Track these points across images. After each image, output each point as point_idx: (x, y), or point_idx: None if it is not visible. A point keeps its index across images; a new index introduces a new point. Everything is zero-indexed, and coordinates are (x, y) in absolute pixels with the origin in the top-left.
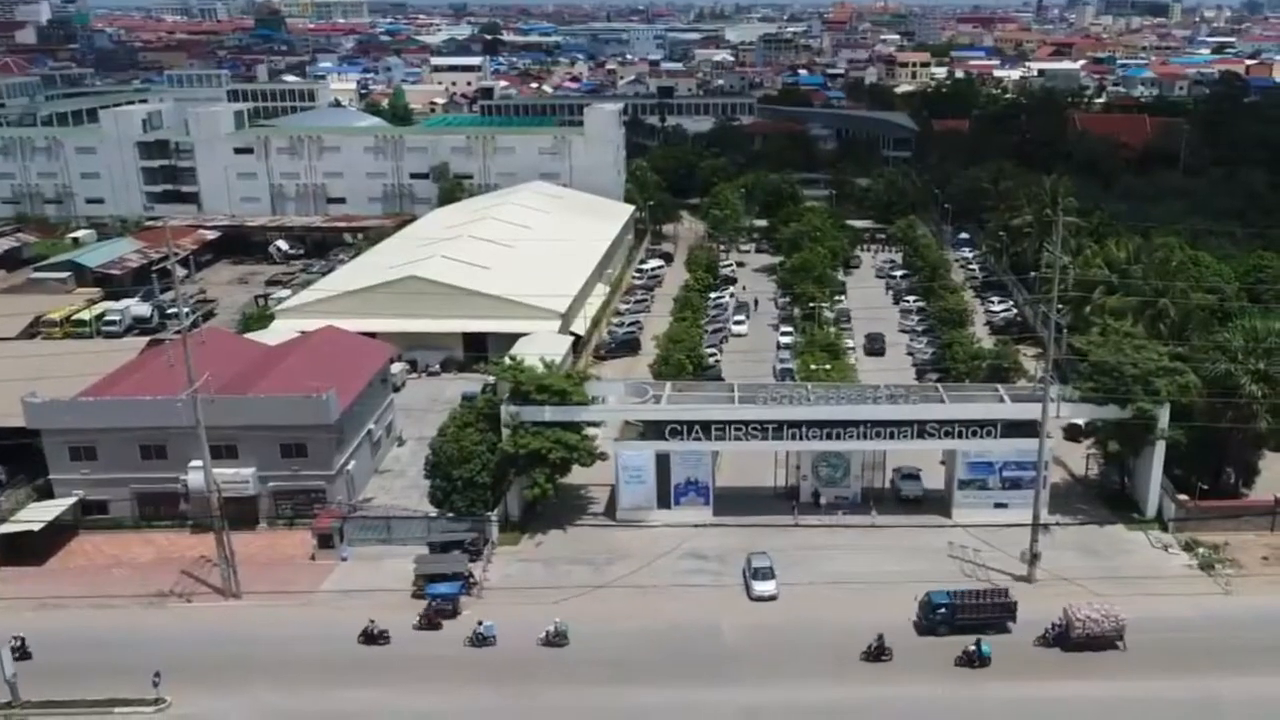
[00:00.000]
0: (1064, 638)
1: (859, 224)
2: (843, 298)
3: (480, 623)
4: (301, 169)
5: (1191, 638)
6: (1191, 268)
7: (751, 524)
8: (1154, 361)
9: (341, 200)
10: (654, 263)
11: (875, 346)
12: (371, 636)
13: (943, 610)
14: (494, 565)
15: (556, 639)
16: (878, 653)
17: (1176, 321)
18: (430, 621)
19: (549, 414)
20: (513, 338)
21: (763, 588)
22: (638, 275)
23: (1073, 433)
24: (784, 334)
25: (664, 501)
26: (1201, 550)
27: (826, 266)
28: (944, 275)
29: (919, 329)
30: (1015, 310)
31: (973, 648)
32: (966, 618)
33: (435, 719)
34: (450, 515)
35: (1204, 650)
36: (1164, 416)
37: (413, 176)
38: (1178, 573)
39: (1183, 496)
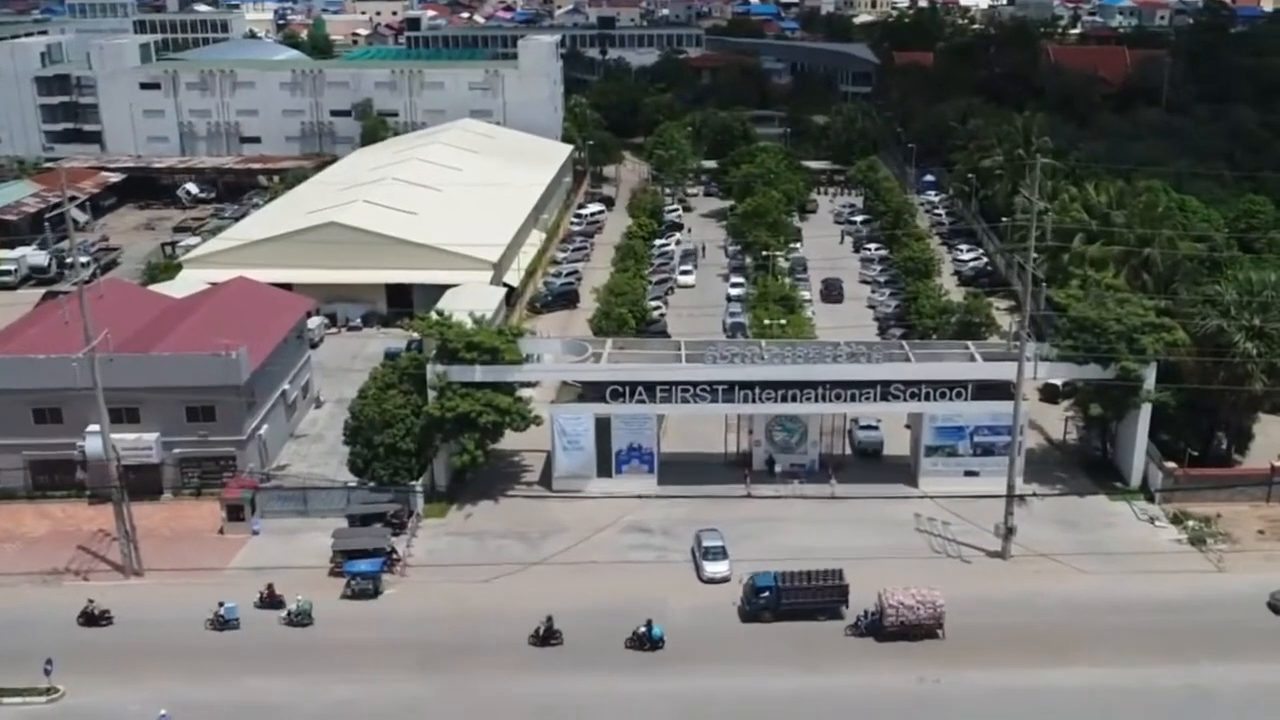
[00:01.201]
0: (877, 626)
1: (815, 165)
2: (798, 245)
3: (221, 604)
4: (213, 106)
5: (1181, 620)
6: (1178, 214)
7: (700, 495)
8: (1139, 317)
9: (256, 140)
10: (594, 207)
11: (833, 293)
12: (91, 618)
13: (767, 594)
14: (419, 540)
15: (298, 619)
16: (546, 637)
17: (1163, 273)
18: (270, 600)
19: (479, 374)
20: (440, 290)
21: (715, 569)
22: (576, 221)
23: (1050, 394)
24: (734, 285)
25: (604, 470)
26: (1191, 523)
27: (781, 212)
28: (908, 221)
29: (881, 279)
30: (986, 260)
31: (643, 629)
32: (793, 602)
33: (359, 708)
34: (371, 485)
35: (1195, 634)
36: (1150, 377)
37: (333, 114)
38: (1166, 548)
39: (1170, 464)
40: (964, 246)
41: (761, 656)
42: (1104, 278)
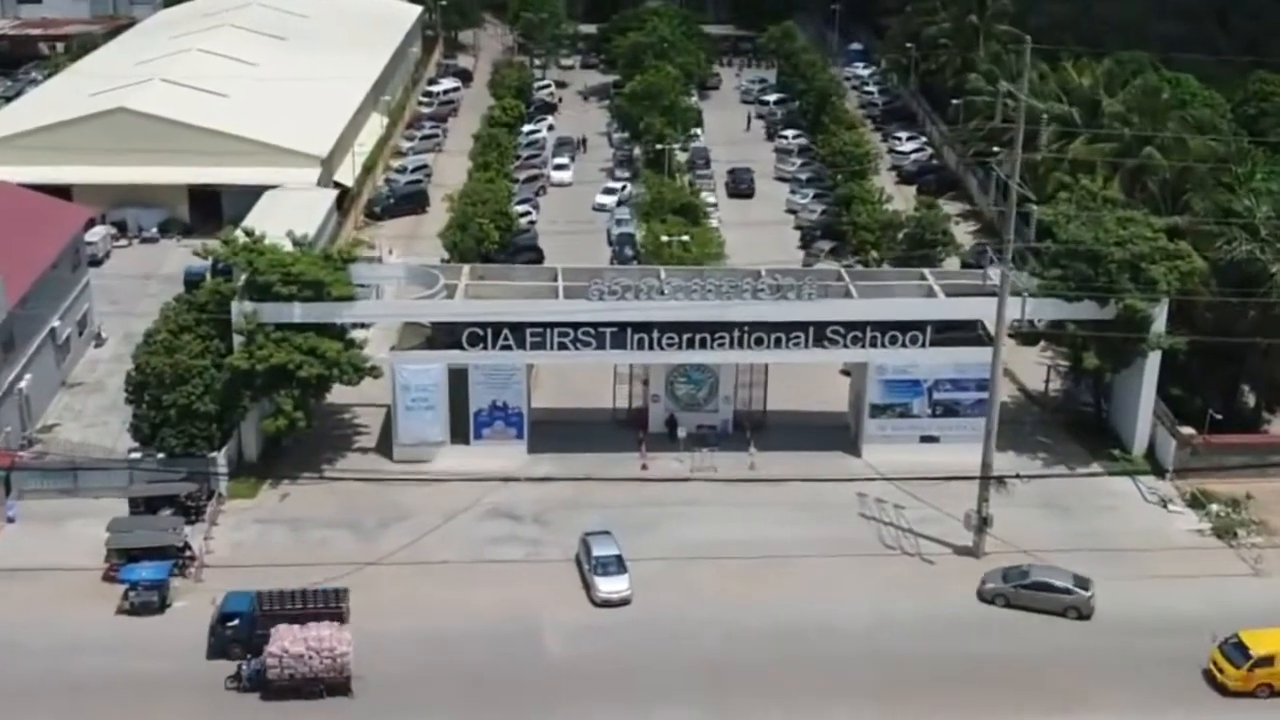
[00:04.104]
0: (261, 679)
1: (717, 31)
2: (699, 132)
3: None
4: None
5: (1208, 647)
6: (1183, 101)
7: (583, 476)
8: (1147, 240)
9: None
10: (447, 83)
11: (741, 186)
12: None
13: (237, 623)
14: (220, 530)
15: None
16: None
17: (1169, 180)
18: None
19: (299, 313)
20: (256, 191)
21: (611, 586)
22: (426, 100)
23: (1026, 335)
24: (605, 191)
25: (460, 434)
26: (1215, 507)
27: (679, 92)
28: (835, 104)
29: (802, 177)
30: (931, 151)
31: None
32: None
33: None
34: (160, 456)
35: None
36: (1161, 317)
37: None
38: (1183, 541)
39: (1186, 429)
40: (903, 134)
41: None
42: (1097, 187)
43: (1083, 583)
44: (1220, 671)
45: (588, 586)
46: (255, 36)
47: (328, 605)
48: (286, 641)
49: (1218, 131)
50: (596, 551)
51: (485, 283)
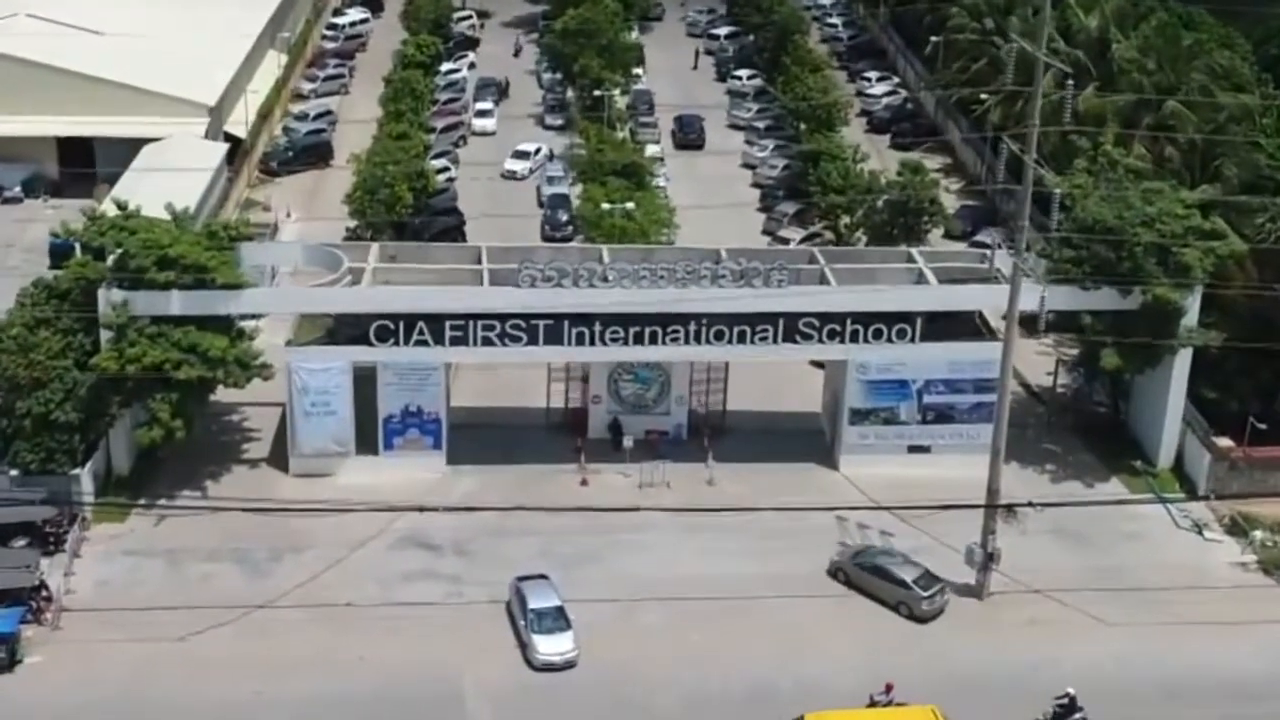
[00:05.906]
0: None
1: None
2: (641, 73)
3: None
4: None
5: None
6: (1208, 45)
7: (510, 507)
8: (1178, 219)
9: None
10: (354, 14)
11: (690, 135)
12: None
13: None
14: (84, 563)
15: None
16: None
17: (1198, 143)
18: None
19: (177, 303)
20: (135, 145)
21: (553, 647)
22: (330, 34)
23: (1031, 321)
24: (516, 155)
25: (367, 443)
26: (1259, 534)
27: (619, 28)
28: (799, 42)
29: (760, 124)
30: (905, 95)
31: None
32: None
33: None
34: (13, 474)
35: None
36: (1194, 309)
37: None
38: (1224, 576)
39: (1223, 441)
40: (873, 75)
41: None
42: (1120, 154)
43: (926, 584)
44: None
45: (523, 645)
46: None
47: None
48: None
49: (1243, 79)
50: (534, 603)
51: (397, 265)
